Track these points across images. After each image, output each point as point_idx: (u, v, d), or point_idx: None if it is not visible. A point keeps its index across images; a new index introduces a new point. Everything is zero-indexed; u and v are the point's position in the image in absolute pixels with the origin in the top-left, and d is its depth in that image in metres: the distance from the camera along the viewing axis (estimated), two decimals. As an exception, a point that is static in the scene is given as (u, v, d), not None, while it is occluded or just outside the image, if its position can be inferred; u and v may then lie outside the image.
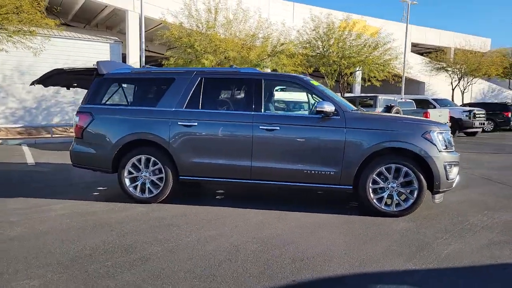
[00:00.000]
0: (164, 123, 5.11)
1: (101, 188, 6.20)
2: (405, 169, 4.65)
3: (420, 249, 3.71)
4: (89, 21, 26.21)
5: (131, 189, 5.22)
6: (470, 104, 22.11)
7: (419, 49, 37.78)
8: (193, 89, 5.19)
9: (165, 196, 5.20)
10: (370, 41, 19.30)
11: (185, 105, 5.15)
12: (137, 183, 5.23)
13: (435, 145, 4.62)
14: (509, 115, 19.44)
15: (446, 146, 4.71)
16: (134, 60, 21.09)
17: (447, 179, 4.66)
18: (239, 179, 5.08)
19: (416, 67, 27.31)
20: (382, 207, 4.73)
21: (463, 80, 28.74)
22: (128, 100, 5.58)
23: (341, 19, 20.22)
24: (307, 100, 6.01)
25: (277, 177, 4.98)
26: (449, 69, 28.46)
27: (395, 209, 4.72)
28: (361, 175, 4.74)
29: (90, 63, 16.35)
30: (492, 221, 4.65)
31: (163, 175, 5.15)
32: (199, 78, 5.24)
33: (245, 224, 4.45)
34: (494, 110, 19.66)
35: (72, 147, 5.54)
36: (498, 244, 3.87)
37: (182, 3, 16.79)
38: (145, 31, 23.31)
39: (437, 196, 4.78)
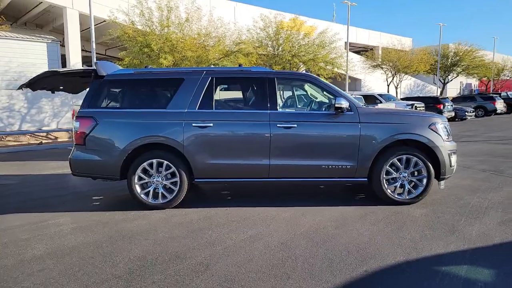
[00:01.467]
0: (177, 125, 4.95)
1: (97, 197, 5.83)
2: (415, 159, 4.98)
3: (451, 232, 4.01)
4: (17, 19, 24.09)
5: (142, 195, 4.99)
6: (407, 98, 23.82)
7: (352, 48, 39.81)
8: (205, 89, 5.09)
9: (180, 201, 5.04)
10: (318, 41, 20.05)
11: (197, 106, 5.03)
12: (148, 189, 5.01)
13: (440, 136, 5.00)
14: (441, 107, 21.25)
15: (448, 136, 5.13)
16: (75, 61, 19.73)
17: (450, 166, 5.07)
18: (257, 178, 5.09)
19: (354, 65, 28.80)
20: (396, 196, 5.03)
21: (396, 76, 30.94)
22: (132, 103, 5.28)
23: (289, 19, 20.75)
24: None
25: (295, 174, 5.07)
26: (383, 66, 30.48)
27: (407, 197, 5.04)
28: (375, 167, 4.99)
29: (25, 65, 15.14)
30: (489, 201, 5.16)
31: (177, 179, 4.99)
32: (210, 78, 5.14)
33: (276, 222, 4.48)
34: (428, 103, 21.34)
35: (72, 155, 5.14)
36: (511, 221, 4.33)
37: (126, 1, 16.04)
38: (83, 30, 21.97)
39: (442, 182, 5.19)
